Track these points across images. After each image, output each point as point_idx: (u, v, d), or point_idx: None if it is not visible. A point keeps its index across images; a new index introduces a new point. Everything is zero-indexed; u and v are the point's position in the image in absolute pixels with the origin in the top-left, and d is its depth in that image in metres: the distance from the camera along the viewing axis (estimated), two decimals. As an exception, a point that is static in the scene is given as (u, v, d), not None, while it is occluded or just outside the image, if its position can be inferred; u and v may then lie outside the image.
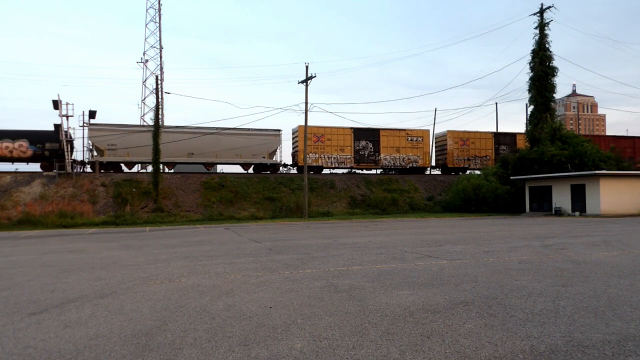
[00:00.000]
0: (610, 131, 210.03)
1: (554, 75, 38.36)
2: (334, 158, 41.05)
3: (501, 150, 45.54)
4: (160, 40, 58.20)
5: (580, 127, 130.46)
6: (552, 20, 38.73)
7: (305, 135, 34.63)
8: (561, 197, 33.22)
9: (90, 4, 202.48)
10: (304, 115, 34.20)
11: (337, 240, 15.61)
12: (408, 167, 43.13)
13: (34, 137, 34.45)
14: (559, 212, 32.76)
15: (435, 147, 46.74)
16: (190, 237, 18.30)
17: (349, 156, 41.44)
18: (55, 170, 34.37)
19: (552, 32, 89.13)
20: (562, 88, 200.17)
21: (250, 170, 40.27)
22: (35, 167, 36.29)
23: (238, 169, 40.83)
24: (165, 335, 4.91)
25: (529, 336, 4.65)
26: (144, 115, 56.96)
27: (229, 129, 38.60)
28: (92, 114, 36.56)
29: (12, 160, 34.42)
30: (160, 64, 57.75)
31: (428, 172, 45.09)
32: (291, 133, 43.09)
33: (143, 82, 57.65)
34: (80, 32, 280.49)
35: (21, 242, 18.34)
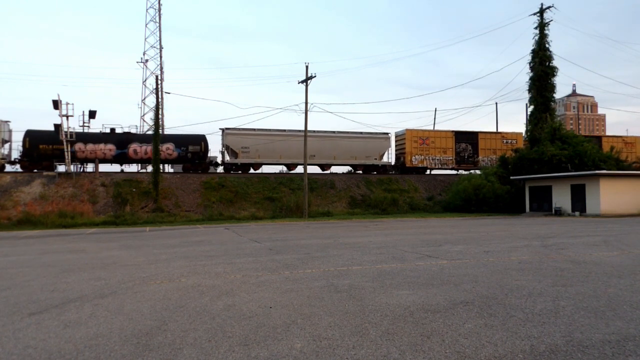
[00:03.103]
0: (610, 131, 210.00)
1: (553, 75, 38.37)
2: (437, 160, 42.87)
3: None
4: (160, 40, 58.23)
5: (580, 127, 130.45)
6: (552, 20, 38.78)
7: (305, 135, 34.63)
8: (561, 197, 33.22)
9: (90, 4, 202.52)
10: (304, 115, 34.23)
11: (337, 240, 15.61)
12: None
13: (178, 140, 37.68)
14: (559, 212, 32.76)
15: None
16: (190, 237, 18.30)
17: (451, 158, 43.25)
18: (56, 171, 34.43)
19: (552, 32, 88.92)
20: (562, 88, 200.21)
21: (359, 172, 42.29)
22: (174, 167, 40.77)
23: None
24: (165, 335, 4.91)
25: (529, 336, 4.65)
26: (144, 115, 57.01)
27: (345, 132, 41.30)
28: (92, 114, 36.60)
29: (160, 161, 37.02)
30: (160, 64, 57.77)
31: None
32: (394, 136, 44.29)
33: (143, 82, 57.70)
34: (80, 32, 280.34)
35: (21, 242, 18.34)
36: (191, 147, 37.55)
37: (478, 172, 43.08)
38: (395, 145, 44.11)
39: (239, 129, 38.78)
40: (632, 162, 41.00)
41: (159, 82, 40.33)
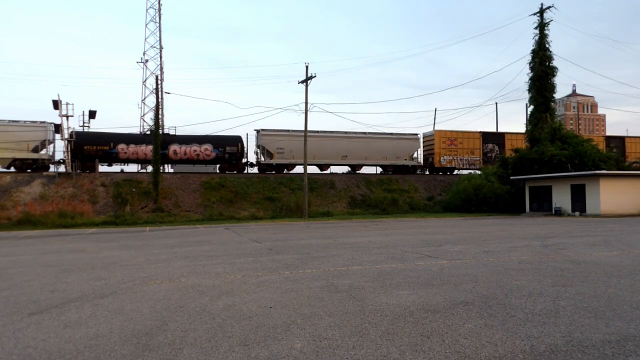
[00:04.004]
0: (610, 131, 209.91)
1: (553, 75, 38.31)
2: (465, 160, 43.79)
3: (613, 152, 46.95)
4: (160, 40, 58.07)
5: (580, 127, 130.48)
6: (552, 20, 38.70)
7: (305, 135, 34.62)
8: (561, 197, 33.22)
9: (90, 4, 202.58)
10: (304, 115, 34.22)
11: (337, 240, 15.61)
12: None
13: (216, 141, 38.50)
14: (559, 212, 32.75)
15: None
16: (190, 237, 18.30)
17: (478, 158, 44.23)
18: (55, 170, 34.47)
19: (552, 32, 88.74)
20: (562, 88, 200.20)
21: (389, 171, 43.26)
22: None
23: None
24: (165, 335, 4.91)
25: (529, 336, 4.65)
26: (144, 115, 56.90)
27: (376, 133, 42.42)
28: (92, 114, 36.64)
29: (199, 162, 38.50)
30: (160, 64, 57.69)
31: None
32: (422, 137, 44.88)
33: (143, 82, 57.61)
34: (80, 32, 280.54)
35: (21, 242, 18.33)
36: (228, 148, 38.39)
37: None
38: (424, 146, 44.79)
39: (274, 130, 39.63)
40: (632, 161, 41.00)
41: (159, 82, 40.33)
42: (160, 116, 36.31)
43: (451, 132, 44.11)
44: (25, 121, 34.68)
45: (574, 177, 32.33)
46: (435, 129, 43.62)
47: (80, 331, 5.12)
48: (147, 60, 57.43)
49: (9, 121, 34.13)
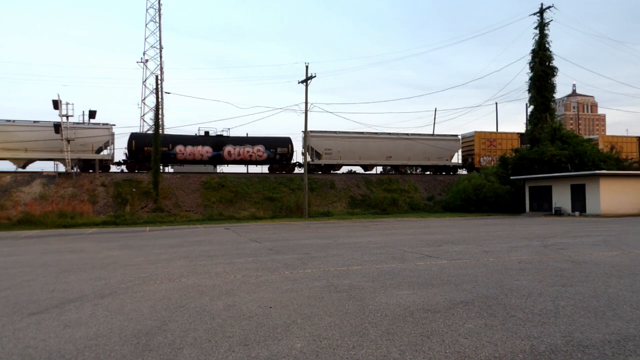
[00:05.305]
0: (610, 131, 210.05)
1: (553, 75, 38.32)
2: None
3: None
4: (160, 40, 58.13)
5: (580, 127, 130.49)
6: (552, 20, 38.73)
7: (306, 135, 34.61)
8: (561, 197, 33.21)
9: (90, 4, 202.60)
10: (304, 115, 34.22)
11: (337, 240, 15.60)
12: None
13: (268, 143, 39.60)
14: (559, 212, 32.75)
15: None
16: (190, 237, 18.29)
17: None
18: (55, 170, 34.48)
19: (552, 32, 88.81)
20: (562, 88, 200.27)
21: (429, 172, 44.93)
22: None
23: (239, 169, 41.76)
24: (165, 335, 4.91)
25: (529, 336, 4.65)
26: (144, 115, 56.94)
27: (419, 134, 43.49)
28: (92, 114, 36.59)
29: (251, 162, 40.11)
30: (160, 64, 57.71)
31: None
32: (461, 138, 45.52)
33: (143, 82, 57.62)
34: (80, 32, 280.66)
35: (21, 242, 18.33)
36: (279, 149, 39.46)
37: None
38: (463, 147, 45.34)
39: (322, 132, 40.62)
40: (632, 161, 40.98)
41: (159, 82, 40.35)
42: (160, 116, 36.33)
43: (490, 133, 44.94)
44: (88, 123, 35.85)
45: (573, 177, 32.33)
46: (475, 130, 44.47)
47: (80, 331, 5.12)
48: (147, 60, 57.47)
49: (74, 123, 35.00)
